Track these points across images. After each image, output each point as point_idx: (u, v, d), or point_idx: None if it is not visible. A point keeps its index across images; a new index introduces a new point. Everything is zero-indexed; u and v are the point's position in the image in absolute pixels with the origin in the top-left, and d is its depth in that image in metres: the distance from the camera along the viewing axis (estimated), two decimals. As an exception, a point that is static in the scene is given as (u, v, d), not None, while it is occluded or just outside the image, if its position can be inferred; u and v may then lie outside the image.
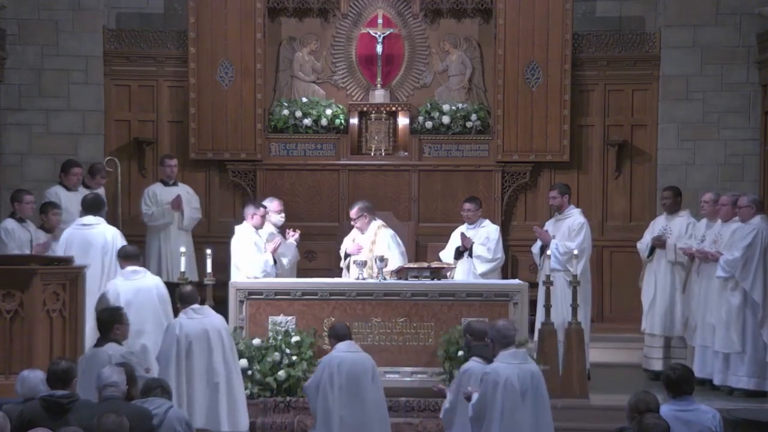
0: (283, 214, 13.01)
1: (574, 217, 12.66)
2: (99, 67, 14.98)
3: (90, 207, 11.96)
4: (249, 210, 12.59)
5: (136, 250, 11.24)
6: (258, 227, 12.51)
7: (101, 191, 13.48)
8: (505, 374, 8.45)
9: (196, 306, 10.27)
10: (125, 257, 11.06)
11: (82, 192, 13.21)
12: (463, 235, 12.95)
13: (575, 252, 11.92)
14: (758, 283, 11.85)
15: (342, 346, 9.93)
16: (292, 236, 12.82)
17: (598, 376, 12.39)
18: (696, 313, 12.39)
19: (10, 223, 12.21)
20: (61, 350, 10.29)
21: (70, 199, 13.14)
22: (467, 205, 13.11)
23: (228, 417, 10.09)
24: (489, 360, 8.82)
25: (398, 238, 12.97)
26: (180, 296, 10.46)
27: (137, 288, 10.81)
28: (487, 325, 9.32)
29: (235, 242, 12.43)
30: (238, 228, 12.54)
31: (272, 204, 12.89)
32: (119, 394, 7.44)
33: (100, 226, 11.74)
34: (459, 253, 12.93)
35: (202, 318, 10.18)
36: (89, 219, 11.79)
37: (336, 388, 9.70)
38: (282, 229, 12.96)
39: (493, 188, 14.93)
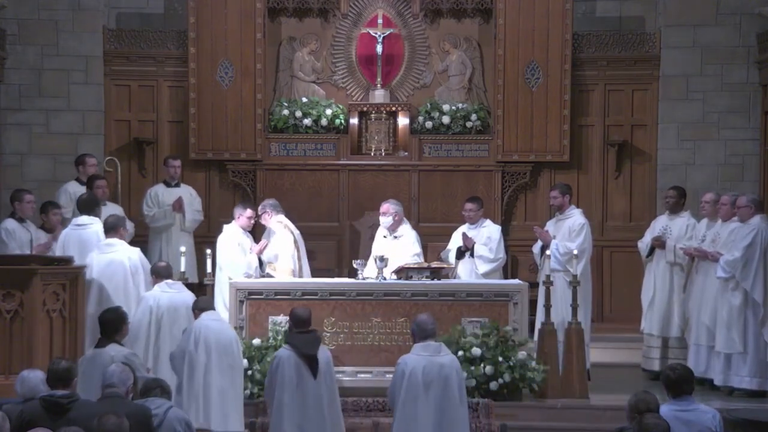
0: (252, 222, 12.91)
1: (575, 217, 12.65)
2: (99, 67, 14.98)
3: (84, 207, 11.99)
4: (237, 210, 12.68)
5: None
6: (245, 228, 12.58)
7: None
8: (411, 365, 8.81)
9: (170, 281, 10.73)
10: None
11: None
12: (464, 235, 12.94)
13: (575, 252, 11.92)
14: (759, 283, 11.86)
15: (205, 315, 9.99)
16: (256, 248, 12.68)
17: (598, 376, 12.38)
18: (694, 313, 12.40)
19: (11, 223, 12.21)
20: (61, 350, 10.29)
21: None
22: (469, 205, 13.10)
23: None
24: (298, 348, 9.38)
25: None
26: (154, 270, 10.90)
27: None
28: (308, 311, 9.76)
29: (219, 242, 12.51)
30: (225, 227, 12.61)
31: (245, 212, 12.76)
32: (121, 393, 7.44)
33: (94, 225, 11.76)
34: (461, 253, 12.92)
35: (174, 293, 10.59)
36: (83, 219, 11.81)
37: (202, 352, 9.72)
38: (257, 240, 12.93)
39: (493, 188, 14.93)
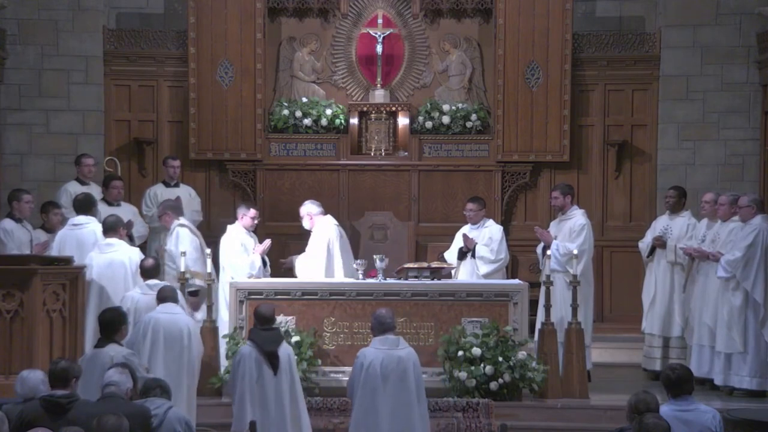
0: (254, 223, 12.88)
1: (576, 218, 12.65)
2: (99, 67, 14.98)
3: (80, 207, 11.99)
4: (240, 210, 12.70)
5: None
6: (248, 228, 12.59)
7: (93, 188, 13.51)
8: (370, 358, 9.21)
9: (151, 281, 10.66)
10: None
11: (95, 188, 13.44)
12: (465, 236, 12.93)
13: (575, 253, 11.91)
14: (759, 283, 11.86)
15: (160, 308, 10.04)
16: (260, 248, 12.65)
17: (598, 376, 12.39)
18: (695, 313, 12.40)
19: (9, 224, 12.19)
20: (61, 350, 10.29)
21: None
22: (470, 205, 13.08)
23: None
24: (259, 345, 9.46)
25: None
26: (141, 269, 10.85)
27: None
28: (272, 309, 9.96)
29: (222, 242, 12.53)
30: (229, 228, 12.62)
31: (249, 212, 12.78)
32: (120, 393, 7.43)
33: (90, 225, 11.76)
34: (462, 254, 12.90)
35: (154, 295, 10.44)
36: (80, 219, 11.81)
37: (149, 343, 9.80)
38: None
39: (493, 188, 14.92)
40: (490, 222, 13.16)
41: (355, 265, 12.21)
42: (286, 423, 9.59)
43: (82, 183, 13.59)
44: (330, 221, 12.92)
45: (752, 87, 14.73)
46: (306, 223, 12.89)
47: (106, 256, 11.27)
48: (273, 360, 9.57)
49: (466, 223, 13.14)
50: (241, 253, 12.37)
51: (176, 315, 10.08)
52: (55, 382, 7.46)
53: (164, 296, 10.17)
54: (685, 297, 12.66)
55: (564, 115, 14.80)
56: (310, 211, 12.89)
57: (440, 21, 15.29)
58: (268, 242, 12.53)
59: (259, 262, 12.33)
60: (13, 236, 12.07)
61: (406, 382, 9.20)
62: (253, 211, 12.70)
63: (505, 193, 14.96)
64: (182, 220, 12.61)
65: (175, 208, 12.75)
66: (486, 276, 12.69)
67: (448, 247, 13.28)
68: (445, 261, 12.85)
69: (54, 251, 11.65)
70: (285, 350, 9.78)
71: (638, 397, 7.44)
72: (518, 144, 14.85)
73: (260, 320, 9.83)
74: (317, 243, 12.69)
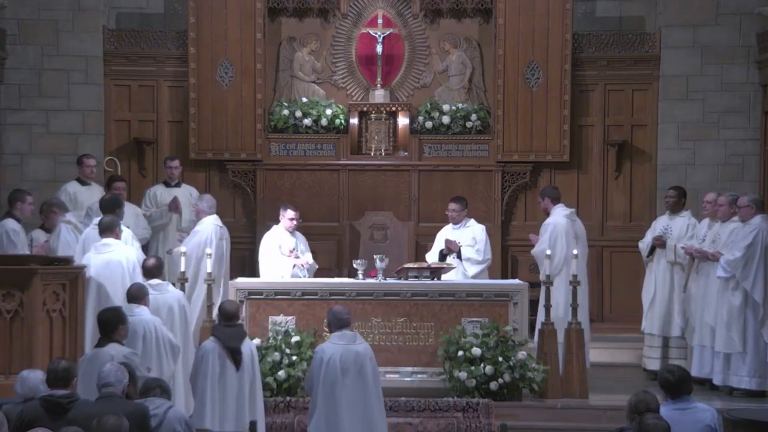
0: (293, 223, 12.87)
1: (547, 219, 12.72)
2: (99, 67, 14.98)
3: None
4: (280, 211, 12.67)
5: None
6: (287, 229, 12.62)
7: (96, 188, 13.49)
8: (329, 353, 9.46)
9: (153, 281, 10.64)
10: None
11: (96, 188, 13.49)
12: (447, 240, 12.84)
13: (548, 252, 11.96)
14: (759, 283, 11.86)
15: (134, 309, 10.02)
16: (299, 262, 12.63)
17: (599, 376, 12.39)
18: (695, 313, 12.40)
19: (14, 224, 12.10)
20: (61, 350, 10.27)
21: (83, 194, 13.14)
22: (453, 205, 13.03)
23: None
24: (222, 341, 9.62)
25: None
26: (144, 269, 10.81)
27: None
28: (236, 305, 10.04)
29: (261, 243, 12.60)
30: (272, 228, 12.75)
31: (286, 213, 12.84)
32: (118, 392, 7.44)
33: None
34: (443, 257, 12.82)
35: (156, 295, 10.47)
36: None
37: None
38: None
39: (493, 188, 14.93)
40: (472, 222, 13.07)
41: (355, 265, 12.21)
42: (245, 418, 9.66)
43: (83, 183, 13.59)
44: (211, 221, 12.95)
45: (752, 87, 14.73)
46: (195, 217, 13.06)
47: (103, 257, 11.19)
48: (236, 356, 9.69)
49: (449, 223, 13.10)
50: (275, 255, 12.35)
51: (141, 315, 9.95)
52: (57, 382, 7.45)
53: (132, 297, 10.12)
54: (685, 297, 12.66)
55: (564, 115, 14.81)
56: (198, 206, 13.03)
57: (440, 21, 15.29)
58: (307, 260, 12.43)
59: (290, 272, 12.31)
60: (20, 237, 12.03)
61: (363, 376, 9.47)
62: (290, 212, 12.67)
63: (505, 193, 14.96)
64: (68, 217, 12.47)
65: (60, 205, 12.53)
66: (474, 277, 12.67)
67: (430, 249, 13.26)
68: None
69: (78, 250, 11.51)
70: (248, 346, 9.86)
71: (638, 397, 7.45)
72: (518, 144, 14.85)
73: (224, 317, 9.90)
74: (193, 239, 12.74)
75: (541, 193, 13.03)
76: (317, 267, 12.99)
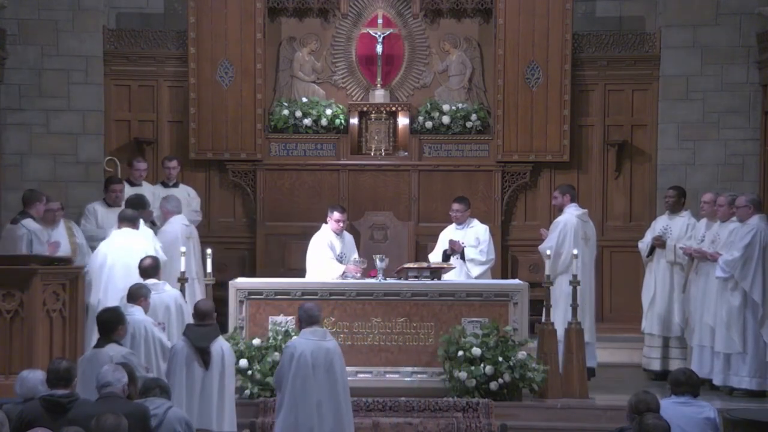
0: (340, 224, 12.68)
1: (559, 217, 12.68)
2: (99, 67, 14.98)
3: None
4: (328, 213, 12.63)
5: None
6: (335, 231, 12.50)
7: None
8: (301, 348, 9.53)
9: (151, 281, 10.63)
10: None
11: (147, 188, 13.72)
12: (451, 240, 12.81)
13: (548, 252, 11.94)
14: (758, 283, 11.86)
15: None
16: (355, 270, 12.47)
17: (598, 376, 12.39)
18: (695, 313, 12.40)
19: (33, 224, 12.03)
20: (61, 350, 10.30)
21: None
22: (456, 206, 12.98)
23: None
24: (191, 340, 9.55)
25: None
26: (140, 269, 10.80)
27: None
28: (210, 305, 9.98)
29: (310, 245, 12.51)
30: (322, 227, 12.63)
31: (333, 215, 12.66)
32: (118, 392, 7.44)
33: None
34: (446, 257, 12.80)
35: (154, 294, 10.44)
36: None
37: None
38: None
39: (493, 188, 14.93)
40: (475, 222, 13.04)
41: (355, 264, 12.20)
42: (212, 417, 9.65)
43: (132, 184, 13.64)
44: (179, 220, 12.99)
45: (752, 87, 14.73)
46: (162, 218, 13.08)
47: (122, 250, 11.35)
48: (204, 356, 9.67)
49: (452, 223, 13.07)
50: (324, 257, 12.30)
51: (134, 315, 9.97)
52: (57, 382, 7.46)
53: (129, 297, 10.15)
54: (685, 297, 12.67)
55: (564, 115, 14.81)
56: (164, 207, 13.06)
57: (440, 21, 15.30)
58: (356, 268, 12.32)
59: (340, 270, 12.21)
60: (44, 237, 12.00)
61: (332, 372, 9.57)
62: (336, 214, 12.54)
63: (505, 193, 14.96)
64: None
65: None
66: (477, 277, 12.66)
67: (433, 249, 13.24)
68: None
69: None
70: (219, 346, 9.79)
71: (638, 397, 7.48)
72: (518, 144, 14.85)
73: (197, 316, 9.87)
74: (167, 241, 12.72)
75: (561, 189, 12.87)
76: (365, 264, 12.76)
